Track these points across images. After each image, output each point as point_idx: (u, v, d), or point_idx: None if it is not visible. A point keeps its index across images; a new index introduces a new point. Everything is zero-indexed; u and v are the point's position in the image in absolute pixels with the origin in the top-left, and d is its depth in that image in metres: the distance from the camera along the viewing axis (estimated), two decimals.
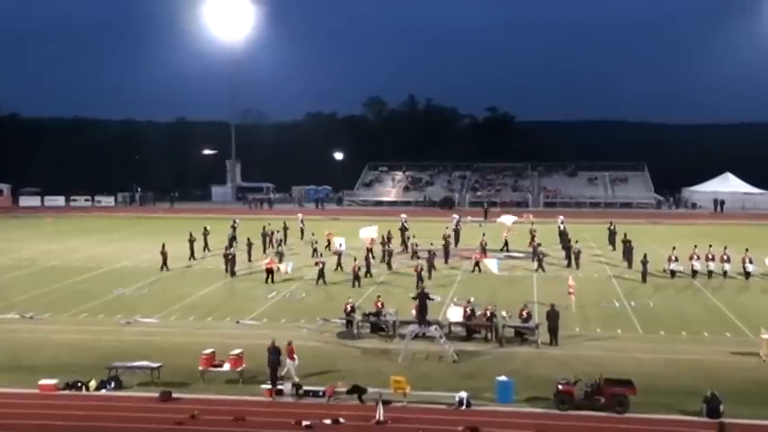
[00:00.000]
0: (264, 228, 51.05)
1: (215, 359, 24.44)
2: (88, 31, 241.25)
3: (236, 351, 24.48)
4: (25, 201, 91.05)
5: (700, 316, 32.60)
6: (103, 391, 23.20)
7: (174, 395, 22.57)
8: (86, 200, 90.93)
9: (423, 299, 26.83)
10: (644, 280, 39.43)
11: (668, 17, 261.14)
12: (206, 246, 49.28)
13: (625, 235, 47.27)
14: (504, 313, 29.00)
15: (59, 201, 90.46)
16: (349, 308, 29.95)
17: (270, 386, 22.81)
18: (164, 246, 43.63)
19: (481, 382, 23.42)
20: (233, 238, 49.10)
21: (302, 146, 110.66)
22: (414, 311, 27.48)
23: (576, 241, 45.90)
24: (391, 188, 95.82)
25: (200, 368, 24.11)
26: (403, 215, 56.71)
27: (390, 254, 44.60)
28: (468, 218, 64.23)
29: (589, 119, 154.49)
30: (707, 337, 29.28)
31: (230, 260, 41.77)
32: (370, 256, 42.04)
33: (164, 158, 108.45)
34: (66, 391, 23.16)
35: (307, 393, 22.59)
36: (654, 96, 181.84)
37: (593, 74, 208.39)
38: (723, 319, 32.08)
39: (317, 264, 40.19)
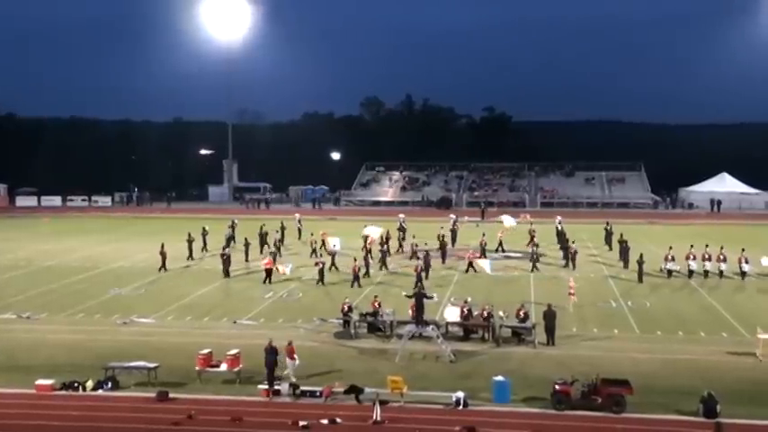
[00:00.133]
0: (261, 228, 51.06)
1: (212, 359, 24.39)
2: (86, 31, 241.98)
3: (233, 351, 24.43)
4: (22, 201, 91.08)
5: (696, 316, 32.65)
6: (100, 392, 23.17)
7: (171, 395, 22.54)
8: (83, 200, 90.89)
9: (420, 299, 26.82)
10: (640, 280, 39.46)
11: (666, 17, 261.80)
12: (204, 246, 49.23)
13: (621, 235, 47.34)
14: (501, 313, 29.03)
15: (56, 201, 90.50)
16: (346, 308, 29.93)
17: (267, 386, 22.81)
18: (163, 246, 43.52)
19: (478, 382, 23.41)
20: (231, 238, 49.10)
21: (299, 146, 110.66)
22: (411, 311, 27.52)
23: (573, 241, 45.96)
24: (388, 188, 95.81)
25: (197, 368, 24.07)
26: (401, 215, 56.71)
27: (385, 254, 44.60)
28: (465, 218, 64.25)
29: (586, 119, 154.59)
30: (703, 336, 29.33)
31: (225, 260, 41.74)
32: (369, 256, 42.05)
33: (161, 158, 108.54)
34: (63, 392, 23.12)
35: (304, 393, 22.56)
36: (651, 96, 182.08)
37: (591, 74, 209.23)
38: (719, 318, 32.13)
39: (316, 264, 40.13)
